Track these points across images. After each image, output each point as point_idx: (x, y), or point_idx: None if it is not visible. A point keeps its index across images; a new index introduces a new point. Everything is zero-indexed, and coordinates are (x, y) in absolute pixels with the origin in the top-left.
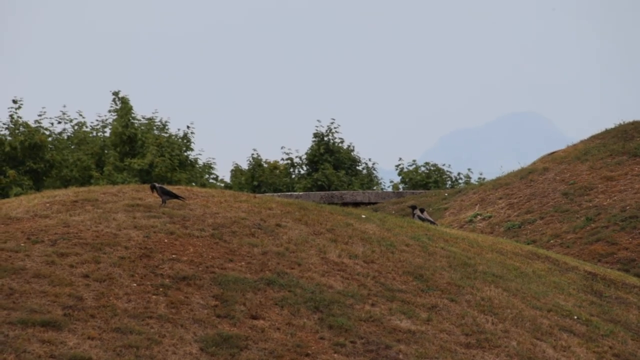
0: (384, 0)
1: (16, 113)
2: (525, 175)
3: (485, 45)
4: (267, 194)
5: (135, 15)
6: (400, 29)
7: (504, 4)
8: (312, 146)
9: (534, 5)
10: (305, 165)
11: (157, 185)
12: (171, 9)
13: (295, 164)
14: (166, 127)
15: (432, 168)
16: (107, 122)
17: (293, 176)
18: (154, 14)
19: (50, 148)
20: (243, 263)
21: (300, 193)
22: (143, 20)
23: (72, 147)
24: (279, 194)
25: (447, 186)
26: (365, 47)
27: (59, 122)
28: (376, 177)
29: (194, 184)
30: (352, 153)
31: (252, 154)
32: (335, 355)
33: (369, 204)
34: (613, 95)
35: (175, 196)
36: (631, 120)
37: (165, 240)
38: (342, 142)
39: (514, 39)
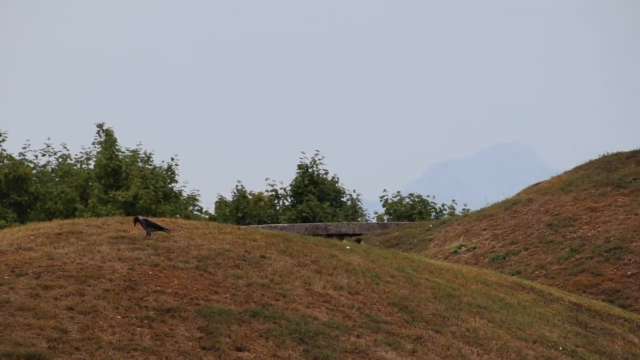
0: (369, 31)
1: (0, 146)
2: (509, 206)
3: (470, 76)
4: (251, 225)
5: (120, 47)
6: (385, 61)
7: (487, 35)
8: (296, 178)
9: (516, 37)
10: (290, 197)
11: (140, 217)
12: (158, 43)
13: (280, 196)
14: (150, 159)
15: (416, 199)
16: (92, 154)
17: (277, 208)
18: (141, 48)
19: (35, 180)
20: (228, 295)
21: (285, 224)
22: (128, 52)
23: (57, 179)
24: (264, 225)
25: (432, 217)
26: (351, 78)
27: (43, 155)
28: (360, 208)
29: (178, 215)
30: (336, 184)
31: (237, 186)
32: None
33: (354, 235)
34: (596, 127)
35: (160, 228)
36: (614, 151)
37: (150, 272)
38: (326, 173)
39: (498, 70)
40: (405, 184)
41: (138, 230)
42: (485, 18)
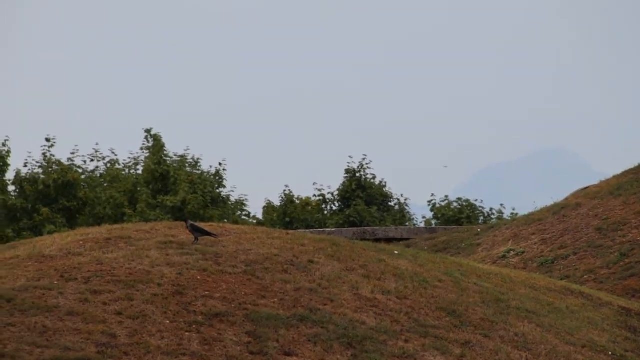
0: (419, 31)
1: (49, 151)
2: (558, 210)
3: (518, 80)
4: (299, 230)
5: (167, 55)
6: (430, 65)
7: (532, 40)
8: (344, 182)
9: (561, 40)
10: (337, 202)
11: (188, 222)
12: (202, 44)
13: (327, 200)
14: (198, 164)
15: (464, 204)
16: (140, 159)
17: (325, 212)
18: (186, 49)
19: (83, 186)
20: (276, 299)
21: (333, 229)
22: (176, 55)
23: (105, 184)
24: (311, 230)
25: (480, 222)
26: (397, 81)
27: (92, 160)
28: (408, 213)
29: (226, 220)
30: (384, 189)
31: (284, 191)
32: None
33: (402, 239)
34: None
35: (207, 233)
36: None
37: (198, 277)
38: (374, 178)
39: (542, 73)
40: (453, 188)
41: (186, 235)
42: (538, 19)
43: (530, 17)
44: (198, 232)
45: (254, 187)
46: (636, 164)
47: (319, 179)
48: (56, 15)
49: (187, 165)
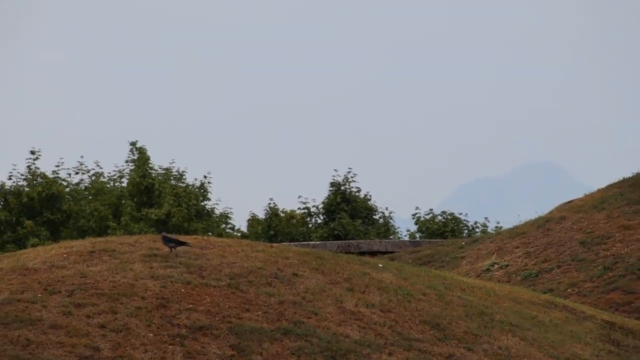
0: (404, 43)
1: (34, 164)
2: (542, 224)
3: (503, 94)
4: (283, 243)
5: (150, 65)
6: (418, 80)
7: (521, 54)
8: (328, 195)
9: (550, 55)
10: (322, 215)
11: (162, 234)
12: (195, 58)
13: (312, 213)
14: (183, 177)
15: (449, 217)
16: (124, 172)
17: (310, 225)
18: (171, 62)
19: (68, 199)
20: (260, 312)
21: (317, 242)
22: (161, 67)
23: (89, 197)
24: (296, 243)
25: (464, 235)
26: (384, 94)
27: (76, 173)
28: (393, 226)
29: (210, 233)
30: (368, 202)
31: (269, 204)
32: None
33: (386, 253)
34: (629, 144)
35: (180, 242)
36: None
37: (182, 290)
38: (358, 191)
39: (529, 88)
40: (438, 201)
41: (169, 248)
42: (523, 32)
43: (527, 26)
44: (171, 242)
45: (238, 200)
46: (620, 178)
47: (304, 192)
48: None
49: (172, 178)
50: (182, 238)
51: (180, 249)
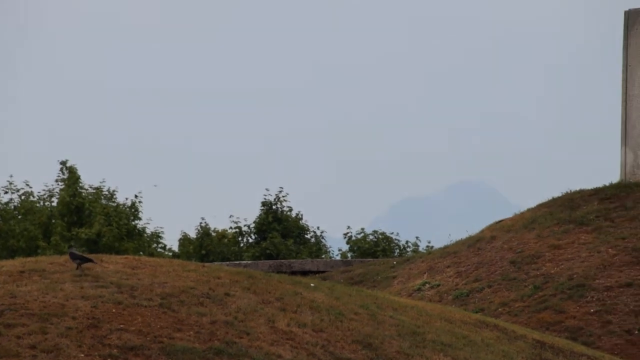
0: (333, 67)
1: None
2: (473, 243)
3: (431, 113)
4: (215, 262)
5: (82, 81)
6: (350, 94)
7: (452, 72)
8: (260, 215)
9: (481, 76)
10: (254, 234)
11: (70, 250)
12: (119, 75)
13: (244, 233)
14: (114, 197)
15: (380, 236)
16: (55, 191)
17: (241, 245)
18: (99, 82)
19: None
20: (191, 332)
21: (249, 262)
22: (90, 85)
23: (19, 217)
24: (228, 262)
25: (396, 254)
26: (313, 111)
27: (6, 192)
28: (324, 245)
29: (141, 253)
30: (300, 221)
31: (200, 223)
32: None
33: (318, 272)
34: (559, 164)
35: (87, 259)
36: (577, 189)
37: (113, 310)
38: (290, 210)
39: (461, 108)
40: (370, 220)
41: (101, 268)
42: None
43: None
44: (77, 259)
45: (170, 220)
46: (550, 198)
47: (235, 211)
48: None
49: (102, 197)
50: (87, 255)
51: (85, 265)
